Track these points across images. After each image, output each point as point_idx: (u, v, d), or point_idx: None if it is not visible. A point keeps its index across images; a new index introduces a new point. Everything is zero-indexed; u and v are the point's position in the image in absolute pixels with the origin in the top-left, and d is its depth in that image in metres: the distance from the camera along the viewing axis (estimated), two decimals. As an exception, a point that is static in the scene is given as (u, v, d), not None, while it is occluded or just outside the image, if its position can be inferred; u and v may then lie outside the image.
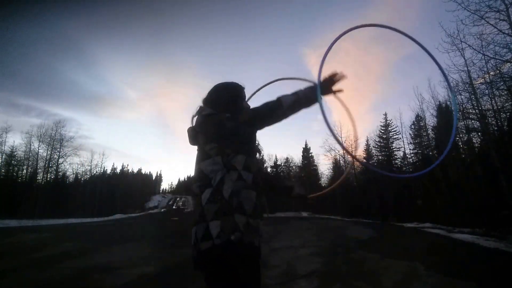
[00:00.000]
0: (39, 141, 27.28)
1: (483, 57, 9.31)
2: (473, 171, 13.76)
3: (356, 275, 4.15)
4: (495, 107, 11.69)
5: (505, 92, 10.43)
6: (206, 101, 1.34)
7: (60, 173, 31.46)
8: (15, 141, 35.26)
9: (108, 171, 46.15)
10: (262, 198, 1.22)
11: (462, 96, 12.98)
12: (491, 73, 9.97)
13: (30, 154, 27.80)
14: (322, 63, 1.32)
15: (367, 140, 25.86)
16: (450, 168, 15.22)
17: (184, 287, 3.66)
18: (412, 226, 12.71)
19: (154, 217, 23.48)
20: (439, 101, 16.59)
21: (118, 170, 53.25)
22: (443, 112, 16.22)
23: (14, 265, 4.81)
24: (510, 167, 10.38)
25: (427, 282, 3.74)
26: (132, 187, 51.68)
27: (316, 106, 1.29)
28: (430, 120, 18.61)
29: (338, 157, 27.36)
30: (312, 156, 33.23)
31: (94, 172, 36.26)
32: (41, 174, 28.19)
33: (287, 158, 36.38)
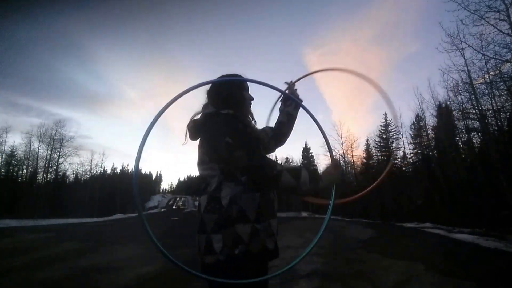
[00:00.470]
0: (39, 141, 27.35)
1: (483, 57, 9.34)
2: (473, 171, 13.76)
3: (356, 275, 4.15)
4: (495, 107, 11.69)
5: (505, 92, 10.43)
6: (209, 96, 1.28)
7: (60, 173, 31.55)
8: (15, 141, 35.35)
9: (108, 171, 46.22)
10: (269, 195, 1.12)
11: (462, 96, 13.00)
12: (491, 73, 9.99)
13: (30, 154, 27.84)
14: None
15: (367, 140, 25.90)
16: (450, 168, 15.23)
17: (184, 287, 3.66)
18: (412, 226, 12.70)
19: (154, 217, 23.46)
20: (439, 101, 16.64)
21: (118, 170, 53.28)
22: (443, 112, 16.22)
23: (14, 265, 4.80)
24: (510, 167, 10.38)
25: (427, 282, 3.74)
26: (132, 187, 51.57)
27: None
28: (430, 120, 18.68)
29: (338, 157, 27.37)
30: (312, 156, 33.24)
31: (94, 172, 36.28)
32: (41, 174, 28.29)
33: (287, 158, 36.38)
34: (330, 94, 76.79)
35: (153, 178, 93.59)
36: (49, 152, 27.80)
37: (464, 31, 9.97)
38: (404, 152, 21.84)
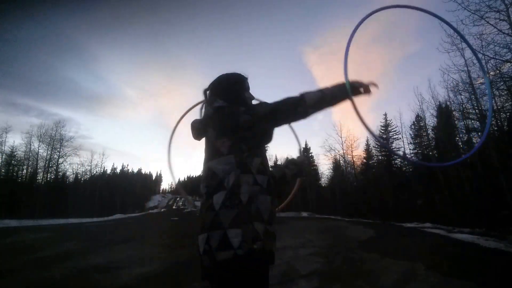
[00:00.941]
0: (39, 141, 27.39)
1: (483, 57, 9.32)
2: (473, 171, 13.76)
3: (356, 275, 4.15)
4: (495, 107, 11.70)
5: (505, 92, 10.44)
6: (215, 93, 1.23)
7: (60, 173, 31.55)
8: (15, 141, 35.41)
9: (108, 171, 46.29)
10: (275, 202, 1.13)
11: (462, 96, 13.02)
12: (491, 73, 9.97)
13: (30, 154, 27.86)
14: (346, 59, 1.24)
15: (367, 140, 25.91)
16: (450, 168, 15.22)
17: (184, 287, 3.66)
18: (412, 226, 12.69)
19: (154, 217, 23.47)
20: (439, 101, 16.64)
21: (118, 170, 53.40)
22: (443, 112, 16.23)
23: (14, 265, 4.81)
24: (510, 167, 10.39)
25: (427, 282, 3.74)
26: (132, 187, 51.71)
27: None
28: (430, 120, 18.68)
29: (338, 157, 27.41)
30: (312, 156, 33.24)
31: (94, 172, 36.36)
32: (41, 174, 28.28)
33: (287, 158, 36.38)
34: (330, 94, 76.51)
35: (153, 178, 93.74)
36: (49, 152, 27.89)
37: (464, 31, 9.97)
38: (404, 152, 21.83)
